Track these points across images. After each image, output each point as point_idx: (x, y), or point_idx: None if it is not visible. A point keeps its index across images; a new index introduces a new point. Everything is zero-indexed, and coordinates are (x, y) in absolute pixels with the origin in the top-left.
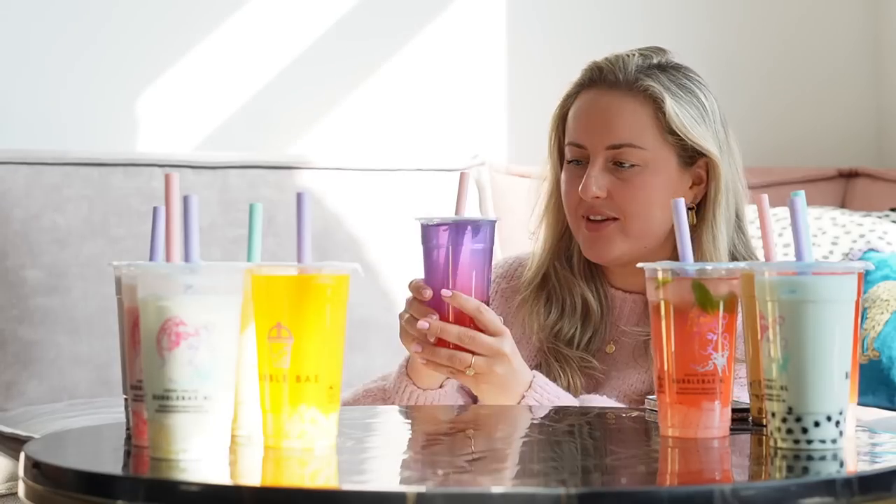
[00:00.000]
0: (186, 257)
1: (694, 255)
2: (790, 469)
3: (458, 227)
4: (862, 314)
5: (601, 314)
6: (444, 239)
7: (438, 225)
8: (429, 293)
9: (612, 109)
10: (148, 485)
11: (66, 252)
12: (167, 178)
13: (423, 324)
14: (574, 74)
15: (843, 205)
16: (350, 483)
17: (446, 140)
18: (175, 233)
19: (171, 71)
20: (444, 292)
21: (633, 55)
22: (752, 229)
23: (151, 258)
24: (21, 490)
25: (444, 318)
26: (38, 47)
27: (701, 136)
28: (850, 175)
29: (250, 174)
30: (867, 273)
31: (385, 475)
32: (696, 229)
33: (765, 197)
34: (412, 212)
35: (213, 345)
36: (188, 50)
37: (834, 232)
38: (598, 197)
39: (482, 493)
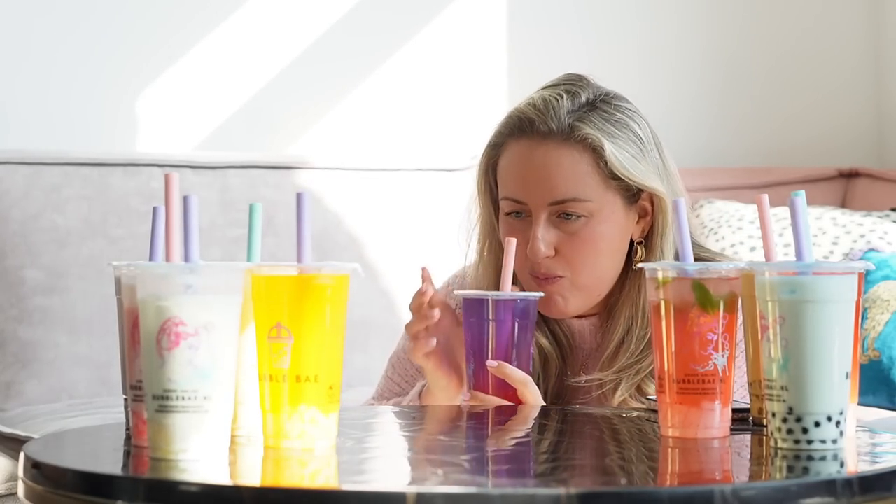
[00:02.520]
0: (186, 257)
1: (642, 287)
2: (790, 469)
3: (505, 304)
4: (862, 314)
5: (560, 352)
6: (490, 313)
7: (481, 300)
8: (436, 314)
9: (550, 164)
10: (148, 485)
11: (66, 252)
12: (167, 178)
13: (491, 363)
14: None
15: (843, 205)
16: (350, 483)
17: (446, 140)
18: (175, 233)
19: (171, 71)
20: (490, 363)
21: (561, 97)
22: (752, 229)
23: (151, 258)
24: (21, 490)
25: (483, 387)
26: (37, 47)
27: (643, 174)
28: (850, 175)
29: (250, 174)
30: (867, 273)
31: (385, 475)
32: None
33: (765, 197)
34: (412, 212)
35: (213, 345)
36: (188, 50)
37: (834, 232)
38: (547, 256)
39: (482, 493)
